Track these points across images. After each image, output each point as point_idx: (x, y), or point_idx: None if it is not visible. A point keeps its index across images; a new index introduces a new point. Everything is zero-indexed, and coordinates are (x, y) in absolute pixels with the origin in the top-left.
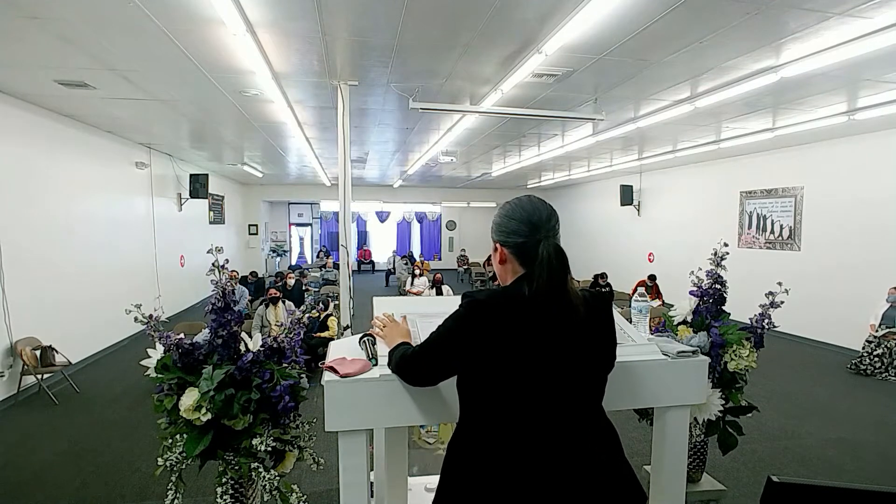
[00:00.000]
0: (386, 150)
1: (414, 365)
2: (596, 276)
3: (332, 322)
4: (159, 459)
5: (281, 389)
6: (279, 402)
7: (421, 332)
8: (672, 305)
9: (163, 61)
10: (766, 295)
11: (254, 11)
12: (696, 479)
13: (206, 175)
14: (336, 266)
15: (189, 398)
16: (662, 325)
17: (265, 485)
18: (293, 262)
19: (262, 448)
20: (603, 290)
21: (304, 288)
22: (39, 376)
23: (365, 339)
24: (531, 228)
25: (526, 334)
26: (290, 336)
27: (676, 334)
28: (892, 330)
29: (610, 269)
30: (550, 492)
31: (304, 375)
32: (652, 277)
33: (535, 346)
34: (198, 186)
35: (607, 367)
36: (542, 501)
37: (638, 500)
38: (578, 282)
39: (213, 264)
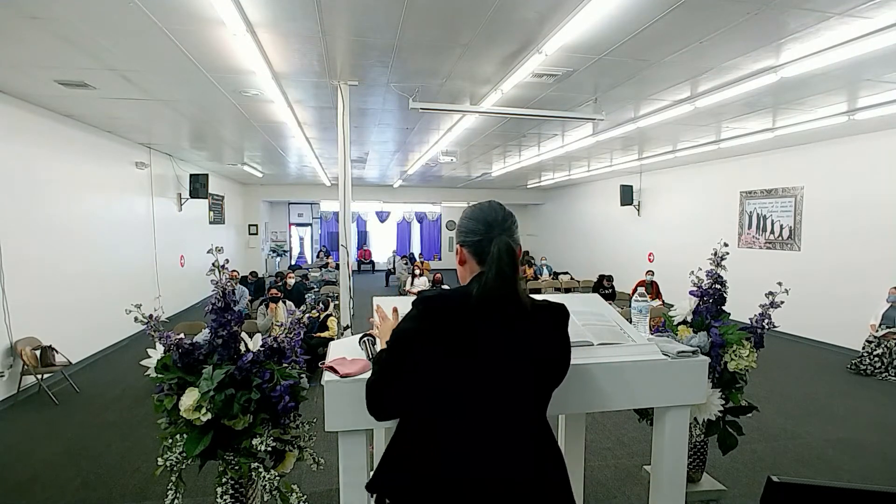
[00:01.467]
0: (386, 150)
1: (374, 390)
2: (601, 277)
3: (332, 322)
4: (159, 459)
5: (281, 389)
6: (279, 402)
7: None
8: (672, 305)
9: (163, 61)
10: (766, 295)
11: (254, 11)
12: (696, 479)
13: (206, 175)
14: (336, 266)
15: (189, 398)
16: (662, 325)
17: (265, 485)
18: (293, 262)
19: (262, 448)
20: (606, 291)
21: (308, 288)
22: (39, 376)
23: (365, 339)
24: (486, 227)
25: (467, 333)
26: (290, 336)
27: (676, 334)
28: (892, 330)
29: (610, 270)
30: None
31: (304, 375)
32: (649, 273)
33: (475, 346)
34: (198, 186)
35: (552, 380)
36: None
37: None
38: (579, 282)
39: (213, 264)
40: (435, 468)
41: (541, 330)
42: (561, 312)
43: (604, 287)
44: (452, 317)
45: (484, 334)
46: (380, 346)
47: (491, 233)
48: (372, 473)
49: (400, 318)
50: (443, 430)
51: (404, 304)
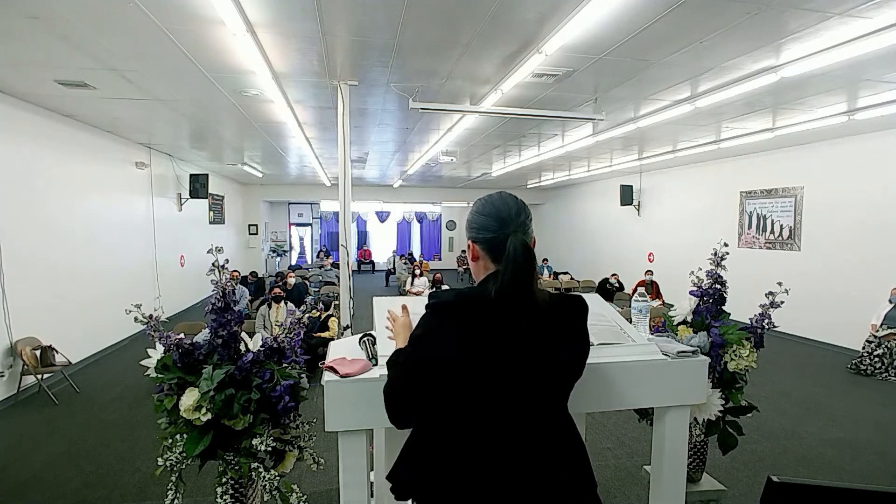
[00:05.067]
0: (386, 150)
1: (394, 396)
2: (604, 280)
3: (332, 322)
4: (159, 459)
5: (281, 389)
6: (279, 402)
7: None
8: (672, 305)
9: (163, 61)
10: (766, 295)
11: (254, 11)
12: (696, 479)
13: (206, 175)
14: (336, 266)
15: (189, 398)
16: (662, 325)
17: (265, 485)
18: (293, 262)
19: (262, 448)
20: (614, 286)
21: (307, 294)
22: (39, 376)
23: (365, 339)
24: (500, 224)
25: (489, 335)
26: (290, 336)
27: (676, 334)
28: (893, 330)
29: (610, 270)
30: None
31: (304, 375)
32: (649, 273)
33: (497, 348)
34: (198, 186)
35: (573, 374)
36: None
37: None
38: (579, 282)
39: (213, 264)
40: (464, 471)
41: (559, 326)
42: (579, 305)
43: (610, 283)
44: (470, 320)
45: (503, 336)
46: (388, 345)
47: (505, 229)
48: (392, 466)
49: (410, 316)
50: (467, 434)
51: (411, 304)
